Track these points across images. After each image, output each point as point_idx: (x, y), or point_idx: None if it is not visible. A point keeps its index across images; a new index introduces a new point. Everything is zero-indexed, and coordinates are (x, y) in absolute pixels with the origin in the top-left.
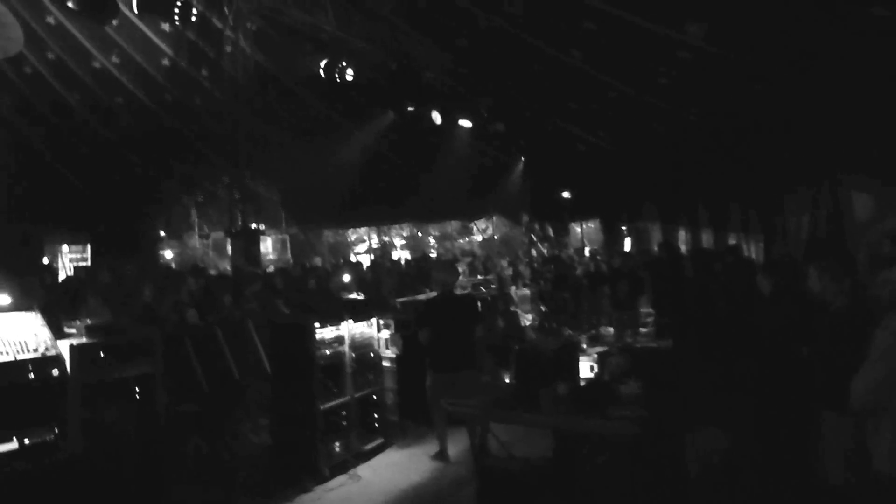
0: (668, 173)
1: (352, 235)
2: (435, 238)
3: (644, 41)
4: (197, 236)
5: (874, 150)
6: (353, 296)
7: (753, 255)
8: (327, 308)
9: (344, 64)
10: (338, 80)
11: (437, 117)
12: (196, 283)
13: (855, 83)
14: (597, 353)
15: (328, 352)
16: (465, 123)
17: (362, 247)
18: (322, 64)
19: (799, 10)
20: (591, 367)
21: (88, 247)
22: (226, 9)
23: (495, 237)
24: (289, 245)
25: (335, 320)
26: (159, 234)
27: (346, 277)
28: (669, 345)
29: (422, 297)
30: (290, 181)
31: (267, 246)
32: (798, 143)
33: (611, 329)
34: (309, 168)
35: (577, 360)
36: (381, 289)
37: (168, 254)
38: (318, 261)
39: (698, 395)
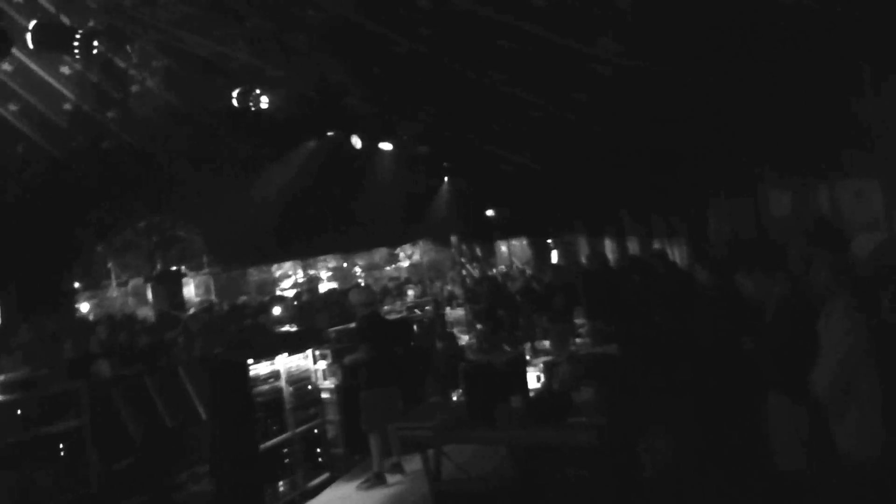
0: (592, 187)
1: (277, 271)
2: (362, 268)
3: (559, 57)
4: (114, 284)
5: (788, 147)
6: (287, 328)
7: (678, 260)
8: (260, 343)
9: (258, 92)
10: (252, 109)
11: (356, 142)
12: (106, 332)
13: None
14: (542, 363)
15: (265, 388)
16: (386, 147)
17: (288, 282)
18: (234, 93)
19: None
20: (538, 378)
21: None
22: (128, 47)
23: (423, 261)
24: (212, 286)
25: (269, 355)
26: (74, 287)
27: (277, 310)
28: (614, 349)
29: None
30: (212, 221)
31: (190, 289)
32: (717, 148)
33: (546, 342)
34: (230, 206)
35: (526, 375)
36: (314, 320)
37: (84, 306)
38: (243, 299)
39: (648, 398)
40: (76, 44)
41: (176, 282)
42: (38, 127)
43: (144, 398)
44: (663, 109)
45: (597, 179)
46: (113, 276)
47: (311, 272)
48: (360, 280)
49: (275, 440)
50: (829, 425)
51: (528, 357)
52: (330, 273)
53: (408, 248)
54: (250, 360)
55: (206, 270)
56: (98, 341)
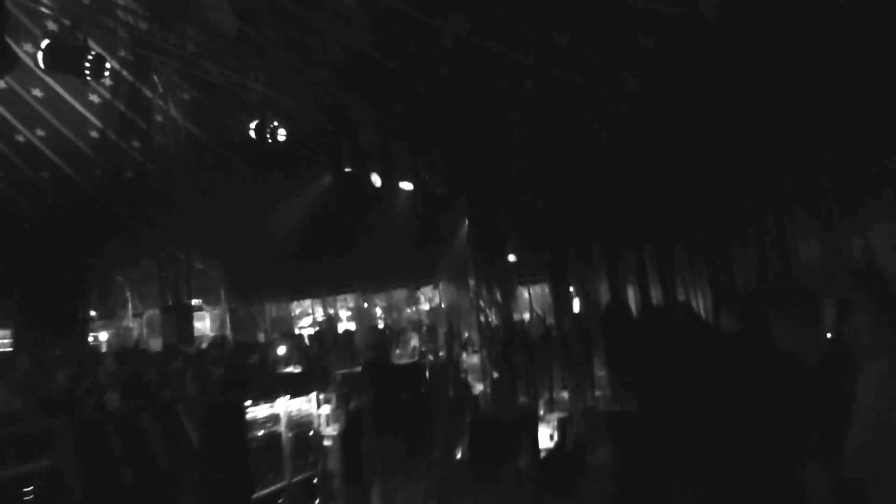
0: (615, 233)
1: (296, 309)
2: (382, 308)
3: (582, 97)
4: (130, 315)
5: (818, 193)
6: (290, 369)
7: (702, 308)
8: (261, 384)
9: (276, 124)
10: (269, 141)
11: (376, 179)
12: (117, 364)
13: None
14: (556, 420)
15: (262, 432)
16: (406, 186)
17: (307, 320)
18: (252, 125)
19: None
20: (552, 436)
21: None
22: (155, 77)
23: (442, 305)
24: (228, 321)
25: (269, 397)
26: (89, 315)
27: (282, 349)
28: (634, 406)
29: None
30: (230, 255)
31: (205, 323)
32: (741, 187)
33: (565, 394)
34: (248, 240)
35: (537, 430)
36: (323, 361)
37: (103, 335)
38: (261, 336)
39: (670, 463)
40: (87, 65)
41: (186, 314)
42: (64, 153)
43: (140, 437)
44: (688, 148)
45: (620, 224)
46: (129, 307)
47: (331, 311)
48: (379, 321)
49: (269, 489)
50: (868, 499)
51: (541, 411)
52: (349, 313)
53: (428, 291)
54: (247, 402)
55: (223, 305)
56: (107, 372)
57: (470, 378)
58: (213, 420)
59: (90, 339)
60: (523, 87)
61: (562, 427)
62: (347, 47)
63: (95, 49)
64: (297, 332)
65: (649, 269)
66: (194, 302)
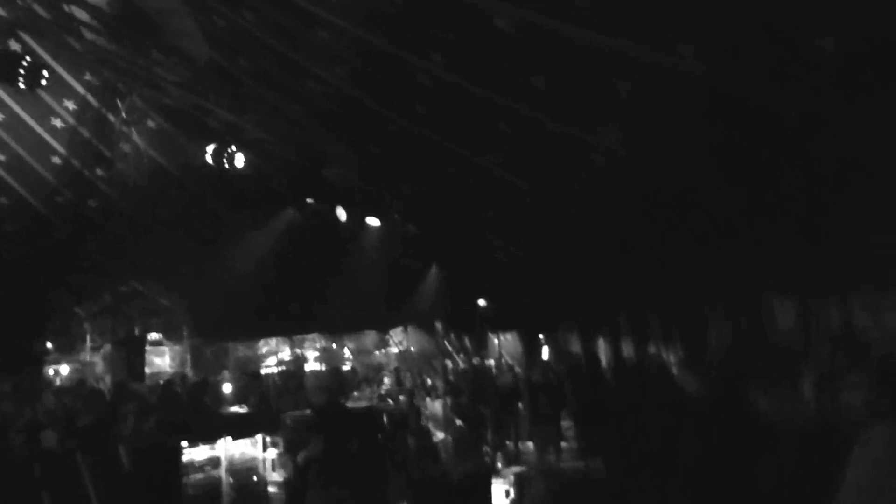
0: (588, 283)
1: (263, 348)
2: (350, 350)
3: (558, 144)
4: (88, 349)
5: (795, 268)
6: (236, 409)
7: (674, 367)
8: (201, 425)
9: (233, 149)
10: (227, 167)
11: (341, 214)
12: (55, 400)
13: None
14: (514, 476)
15: (199, 476)
16: (374, 222)
17: (272, 360)
18: (209, 149)
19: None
20: (507, 493)
21: None
22: (119, 102)
23: (412, 349)
24: (189, 358)
25: (209, 439)
26: (45, 349)
27: (227, 387)
28: (599, 466)
29: None
30: (194, 290)
31: (165, 359)
32: (719, 256)
33: (530, 444)
34: (211, 275)
35: (490, 488)
36: (275, 401)
37: (64, 369)
38: (225, 374)
39: None
40: (22, 72)
41: (138, 349)
42: (25, 179)
43: (73, 478)
44: (665, 208)
45: (593, 276)
46: (88, 341)
47: (298, 351)
48: (347, 362)
49: None
50: None
51: (499, 464)
52: (317, 353)
53: (399, 334)
54: (184, 444)
55: (185, 342)
56: (44, 409)
57: (431, 426)
58: (145, 462)
59: (46, 373)
60: (501, 130)
61: (520, 484)
62: (323, 82)
63: (50, 63)
64: (261, 371)
65: (622, 324)
66: (154, 337)
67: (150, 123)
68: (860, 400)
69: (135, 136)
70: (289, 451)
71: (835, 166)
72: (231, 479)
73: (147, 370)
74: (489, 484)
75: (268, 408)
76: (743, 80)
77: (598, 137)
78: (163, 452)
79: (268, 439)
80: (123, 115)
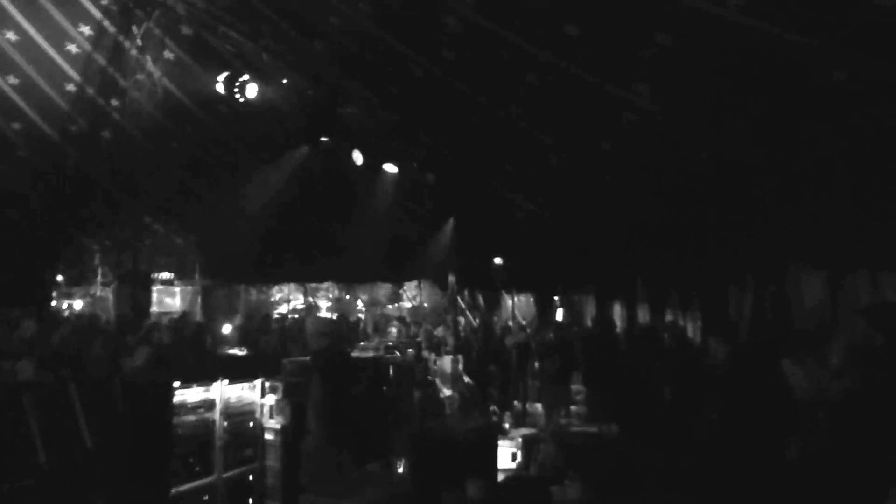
0: (608, 246)
1: (276, 294)
2: (363, 302)
3: (589, 99)
4: (99, 283)
5: (824, 241)
6: (235, 351)
7: (691, 335)
8: (196, 365)
9: (246, 78)
10: (238, 99)
11: (357, 157)
12: (33, 329)
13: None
14: (521, 438)
15: (191, 419)
16: (391, 169)
17: (285, 307)
18: (221, 78)
19: (760, 77)
20: (514, 455)
21: None
22: (134, 28)
23: (425, 304)
24: (200, 299)
25: (204, 380)
26: (55, 281)
27: (227, 328)
28: (611, 430)
29: None
30: (205, 228)
31: (175, 300)
32: (747, 227)
33: (539, 406)
34: (223, 213)
35: (496, 448)
36: (278, 345)
37: (77, 303)
38: (237, 319)
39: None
40: None
41: (144, 284)
42: (38, 105)
43: (63, 410)
44: (695, 174)
45: (614, 240)
46: (99, 275)
47: (311, 300)
48: (360, 314)
49: (193, 483)
50: None
51: (507, 425)
52: (330, 303)
53: (412, 288)
54: (176, 384)
55: (196, 280)
56: (20, 339)
57: (439, 381)
58: (135, 399)
59: (57, 305)
60: (528, 81)
61: (528, 447)
62: (348, 19)
63: None
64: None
65: (639, 288)
66: (165, 276)
67: (168, 54)
68: None
69: (150, 66)
70: (287, 397)
71: (875, 137)
72: (226, 423)
73: (156, 309)
74: (495, 443)
75: (269, 352)
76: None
77: (632, 95)
78: (154, 390)
79: (267, 384)
80: (139, 42)
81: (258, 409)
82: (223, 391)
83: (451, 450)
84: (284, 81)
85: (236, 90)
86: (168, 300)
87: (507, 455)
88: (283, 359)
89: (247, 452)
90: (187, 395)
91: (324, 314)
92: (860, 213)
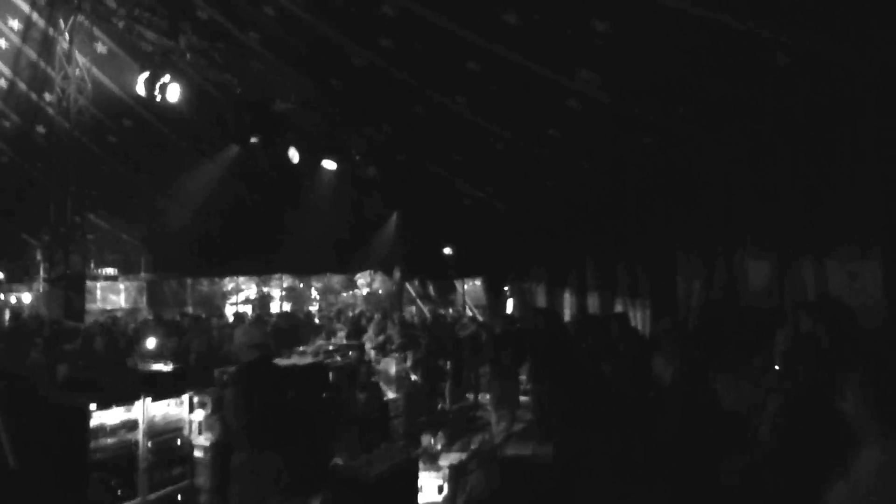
0: (556, 231)
1: (228, 284)
2: (317, 290)
3: (533, 87)
4: (42, 281)
5: (771, 222)
6: (160, 366)
7: (640, 323)
8: (115, 382)
9: (168, 79)
10: (157, 100)
11: (294, 155)
12: None
13: (755, 146)
14: (448, 468)
15: (111, 441)
16: (330, 165)
17: (240, 297)
18: (142, 78)
19: (701, 58)
20: (441, 488)
21: None
22: (62, 22)
23: (380, 291)
24: (145, 294)
25: (124, 400)
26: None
27: (152, 342)
28: (546, 453)
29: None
30: (148, 222)
31: (120, 296)
32: (691, 204)
33: (488, 396)
34: (166, 207)
35: (415, 489)
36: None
37: (26, 298)
38: (188, 311)
39: None
40: None
41: (77, 286)
42: None
43: None
44: (638, 153)
45: (561, 223)
46: (41, 272)
47: (265, 289)
48: (314, 303)
49: None
50: None
51: (438, 446)
52: (284, 292)
53: (366, 276)
54: (92, 406)
55: (140, 275)
56: None
57: (382, 384)
58: (48, 422)
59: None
60: (469, 68)
61: (455, 477)
62: (282, 10)
63: None
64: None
65: (588, 275)
66: (110, 272)
67: (99, 47)
68: (857, 407)
69: (80, 60)
70: (217, 412)
71: (827, 116)
72: (150, 443)
73: (101, 306)
74: (415, 483)
75: (196, 364)
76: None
77: (576, 82)
78: (68, 413)
79: (195, 399)
80: (67, 35)
81: (186, 426)
82: (147, 409)
83: (366, 493)
84: (209, 80)
85: (156, 91)
86: (112, 296)
87: (432, 487)
88: (213, 368)
89: (175, 471)
90: (106, 416)
91: (276, 304)
92: (809, 196)
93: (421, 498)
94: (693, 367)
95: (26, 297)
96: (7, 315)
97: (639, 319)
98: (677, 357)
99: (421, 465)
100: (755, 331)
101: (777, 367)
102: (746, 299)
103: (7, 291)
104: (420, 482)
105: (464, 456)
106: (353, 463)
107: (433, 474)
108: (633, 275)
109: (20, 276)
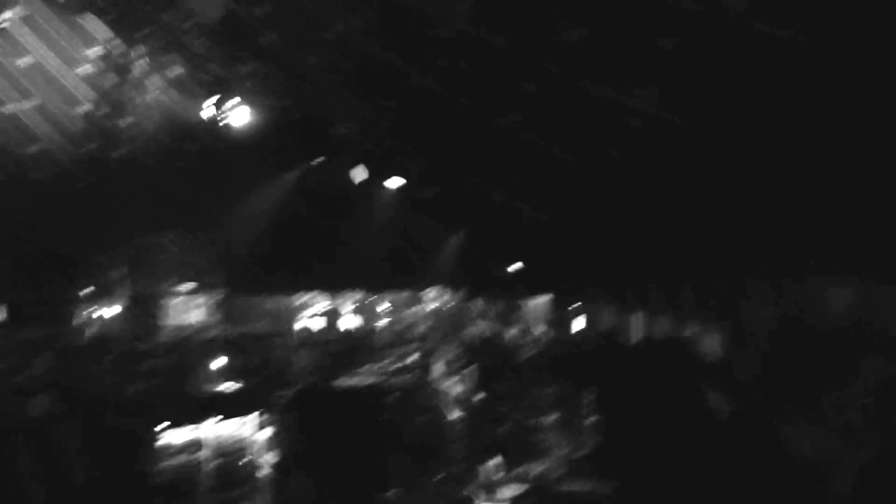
0: (622, 252)
1: (298, 300)
2: (383, 307)
3: (591, 106)
4: (120, 299)
5: (850, 246)
6: (227, 385)
7: (708, 349)
8: (181, 403)
9: (235, 103)
10: (225, 122)
11: (356, 175)
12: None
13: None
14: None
15: (176, 463)
16: (392, 184)
17: (308, 312)
18: (210, 102)
19: (770, 75)
20: None
21: None
22: (133, 52)
23: (444, 309)
24: (218, 311)
25: (188, 421)
26: (76, 298)
27: (217, 363)
28: (604, 489)
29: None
30: (221, 240)
31: (195, 312)
32: (762, 226)
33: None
34: (237, 224)
35: None
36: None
37: (110, 311)
38: (260, 327)
39: None
40: None
41: (152, 304)
42: (51, 129)
43: (60, 449)
44: (704, 173)
45: (627, 245)
46: (120, 290)
47: (334, 305)
48: (382, 319)
49: None
50: None
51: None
52: (353, 307)
53: (431, 293)
54: (157, 427)
55: (214, 291)
56: (33, 374)
57: (442, 405)
58: (111, 445)
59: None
60: (525, 89)
61: None
62: (339, 34)
63: None
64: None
65: (656, 296)
66: (185, 288)
67: (170, 72)
68: None
69: (151, 86)
70: (281, 433)
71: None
72: (214, 465)
73: (176, 322)
74: None
75: (264, 383)
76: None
77: (636, 100)
78: (133, 434)
79: (259, 420)
80: (140, 62)
81: (250, 447)
82: (213, 430)
83: None
84: (270, 104)
85: (222, 115)
86: (186, 315)
87: None
88: (278, 389)
89: (238, 492)
90: (171, 437)
91: (347, 318)
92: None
93: None
94: (757, 403)
95: (108, 314)
96: (86, 333)
97: (706, 345)
98: (739, 390)
99: (476, 500)
100: (833, 365)
101: (862, 411)
102: (823, 329)
103: (88, 310)
104: None
105: (523, 489)
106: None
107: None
108: (701, 299)
109: (99, 296)
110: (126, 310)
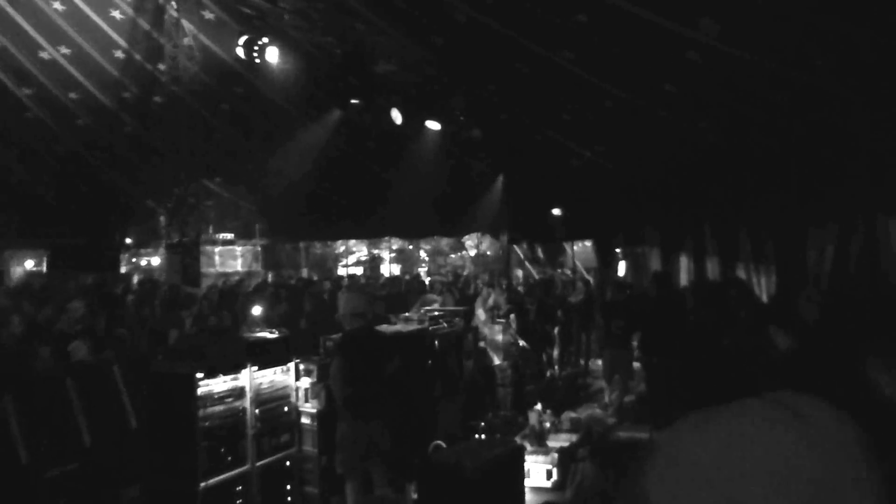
0: (672, 193)
1: (340, 247)
2: (426, 252)
3: (647, 38)
4: (164, 244)
5: None
6: (265, 333)
7: (763, 292)
8: (220, 350)
9: (266, 41)
10: (257, 61)
11: (397, 116)
12: (87, 307)
13: None
14: (557, 453)
15: (219, 409)
16: (433, 125)
17: (351, 258)
18: (241, 41)
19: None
20: (549, 473)
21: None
22: None
23: (488, 252)
24: (261, 257)
25: (230, 368)
26: (123, 244)
27: (257, 310)
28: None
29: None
30: (261, 187)
31: (237, 260)
32: (829, 167)
33: (599, 362)
34: (276, 171)
35: (521, 482)
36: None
37: (154, 259)
38: (304, 273)
39: None
40: None
41: (192, 253)
42: (90, 74)
43: (108, 392)
44: (765, 110)
45: (677, 185)
46: (163, 237)
47: (375, 251)
48: (423, 264)
49: (224, 475)
50: None
51: (547, 424)
52: (393, 254)
53: (474, 238)
54: (199, 374)
55: (255, 240)
56: (73, 319)
57: (490, 350)
58: (160, 390)
59: (125, 268)
60: (579, 21)
61: (564, 464)
62: None
63: None
64: (342, 272)
65: (707, 238)
66: (227, 237)
67: (207, 14)
68: None
69: (188, 27)
70: (322, 380)
71: None
72: (257, 411)
73: (218, 270)
74: (519, 471)
75: (307, 329)
76: None
77: (695, 31)
78: (176, 381)
79: (301, 367)
80: (174, 3)
81: (293, 393)
82: (253, 378)
83: (464, 487)
84: (310, 42)
85: (255, 55)
86: (230, 261)
87: (540, 472)
88: (320, 336)
89: (283, 438)
90: (214, 384)
91: (387, 266)
92: None
93: (528, 483)
94: (823, 342)
95: (155, 261)
96: (135, 279)
97: (763, 287)
98: (803, 329)
99: (528, 446)
100: None
101: None
102: (888, 267)
103: (137, 256)
104: (527, 466)
105: (574, 438)
106: (455, 449)
107: (541, 458)
108: (757, 240)
109: (147, 242)
110: (169, 256)
